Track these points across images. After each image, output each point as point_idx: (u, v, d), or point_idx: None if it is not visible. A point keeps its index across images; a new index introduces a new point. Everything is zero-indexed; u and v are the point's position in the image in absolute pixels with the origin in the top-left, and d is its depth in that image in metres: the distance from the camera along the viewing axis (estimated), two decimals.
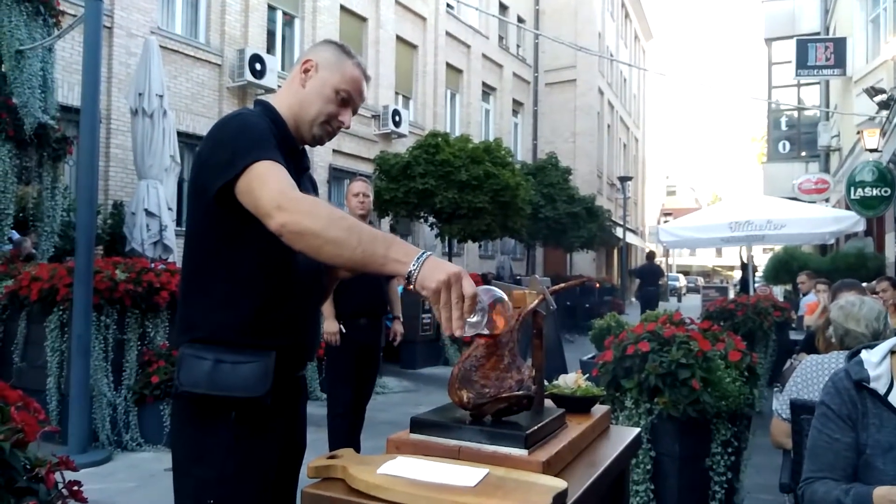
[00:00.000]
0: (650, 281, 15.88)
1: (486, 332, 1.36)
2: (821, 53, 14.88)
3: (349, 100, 1.67)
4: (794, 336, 7.08)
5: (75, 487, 1.47)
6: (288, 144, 1.61)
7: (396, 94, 16.48)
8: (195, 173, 1.57)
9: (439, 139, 12.10)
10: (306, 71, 1.65)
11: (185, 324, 1.56)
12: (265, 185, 1.39)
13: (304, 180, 1.69)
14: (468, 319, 1.28)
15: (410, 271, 1.28)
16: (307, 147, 1.74)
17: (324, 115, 1.64)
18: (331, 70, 1.65)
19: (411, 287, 1.30)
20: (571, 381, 1.76)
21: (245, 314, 1.50)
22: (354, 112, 1.71)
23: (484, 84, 20.49)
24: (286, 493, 1.66)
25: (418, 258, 1.29)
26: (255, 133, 1.50)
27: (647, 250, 21.72)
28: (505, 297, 1.39)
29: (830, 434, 1.50)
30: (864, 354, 1.57)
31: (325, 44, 1.73)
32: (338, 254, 1.33)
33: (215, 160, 1.49)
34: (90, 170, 4.91)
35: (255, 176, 1.41)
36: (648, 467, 2.80)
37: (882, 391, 1.49)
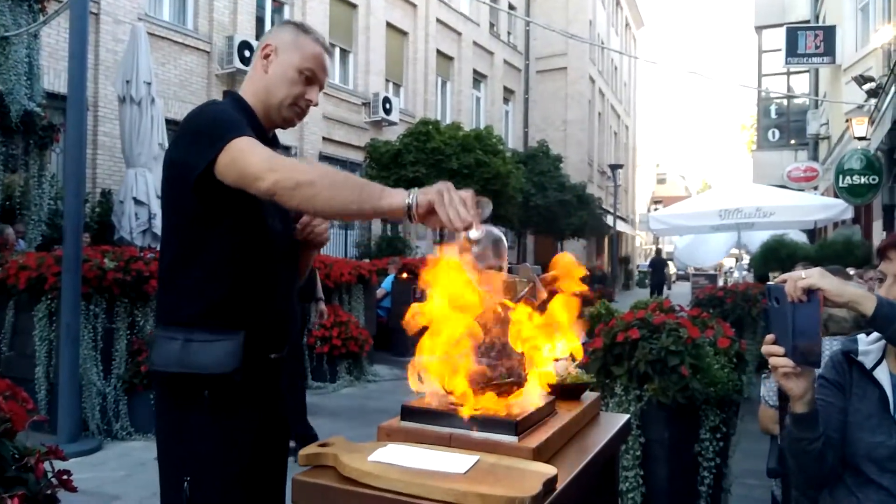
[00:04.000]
0: (659, 270, 22.23)
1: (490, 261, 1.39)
2: (810, 41, 14.90)
3: (314, 77, 1.67)
4: None
5: (65, 476, 1.47)
6: (258, 133, 1.59)
7: (387, 81, 16.39)
8: (169, 165, 1.58)
9: (430, 127, 12.08)
10: (266, 56, 1.65)
11: (161, 310, 1.60)
12: (251, 154, 1.41)
13: None
14: (472, 232, 1.30)
15: (409, 203, 1.30)
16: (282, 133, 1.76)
17: (291, 97, 1.64)
18: (290, 51, 1.64)
19: (413, 214, 1.30)
20: (562, 368, 1.77)
21: (215, 298, 1.53)
22: (321, 88, 1.70)
23: (475, 71, 20.40)
24: (272, 474, 1.67)
25: (411, 191, 1.32)
26: (228, 119, 1.51)
27: (656, 247, 25.48)
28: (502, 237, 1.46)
29: (825, 398, 1.58)
30: (862, 335, 1.66)
31: (282, 25, 1.72)
32: (334, 197, 1.34)
33: (193, 148, 1.49)
34: (77, 158, 4.86)
35: (236, 150, 1.42)
36: (638, 453, 2.82)
37: (868, 365, 1.58)
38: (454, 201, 1.26)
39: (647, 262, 30.05)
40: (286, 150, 13.32)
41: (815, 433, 1.52)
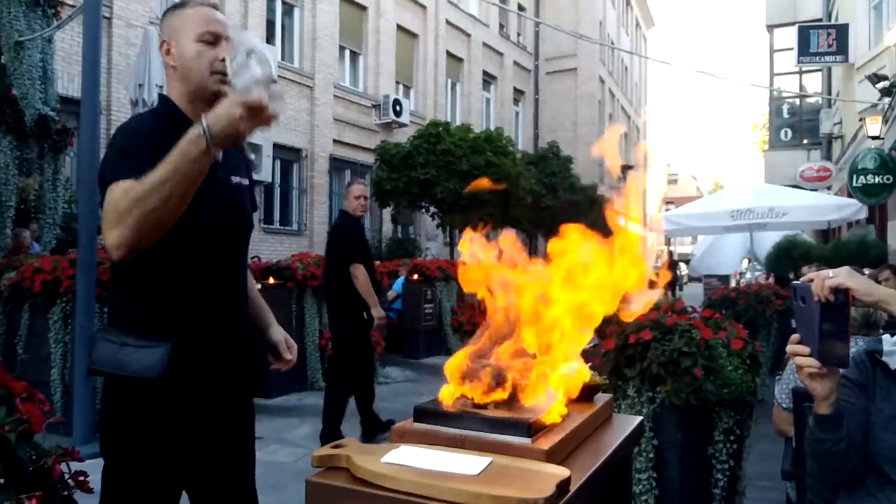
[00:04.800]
0: (672, 271, 21.55)
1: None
2: (823, 40, 14.80)
3: (214, 36, 1.63)
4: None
5: (81, 478, 1.48)
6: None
7: (397, 83, 16.43)
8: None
9: (440, 129, 12.08)
10: (168, 51, 1.65)
11: (109, 314, 1.70)
12: (106, 219, 1.46)
13: (213, 168, 1.53)
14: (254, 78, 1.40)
15: (203, 131, 1.36)
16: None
17: (205, 68, 1.62)
18: (180, 30, 1.64)
19: (209, 139, 1.36)
20: (574, 369, 1.76)
21: (151, 306, 1.58)
22: (227, 40, 1.64)
23: (485, 73, 20.41)
24: (228, 458, 1.73)
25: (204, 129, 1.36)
26: (127, 148, 1.55)
27: (668, 248, 25.65)
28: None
29: (847, 398, 1.56)
30: (887, 335, 1.65)
31: (164, 14, 1.72)
32: (163, 195, 1.38)
33: (102, 167, 1.57)
34: (91, 161, 4.90)
35: (107, 202, 1.46)
36: (651, 455, 2.80)
37: (893, 366, 1.57)
38: (257, 113, 1.38)
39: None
40: (297, 151, 13.38)
41: (838, 434, 1.49)
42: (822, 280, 1.38)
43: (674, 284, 22.42)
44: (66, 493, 1.45)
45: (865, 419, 1.57)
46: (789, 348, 1.47)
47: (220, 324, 1.67)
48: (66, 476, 1.48)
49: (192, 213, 1.50)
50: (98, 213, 5.54)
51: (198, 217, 1.56)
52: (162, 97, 1.69)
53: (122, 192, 1.41)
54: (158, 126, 1.59)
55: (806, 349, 1.42)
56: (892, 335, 1.63)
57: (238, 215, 1.74)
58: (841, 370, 1.55)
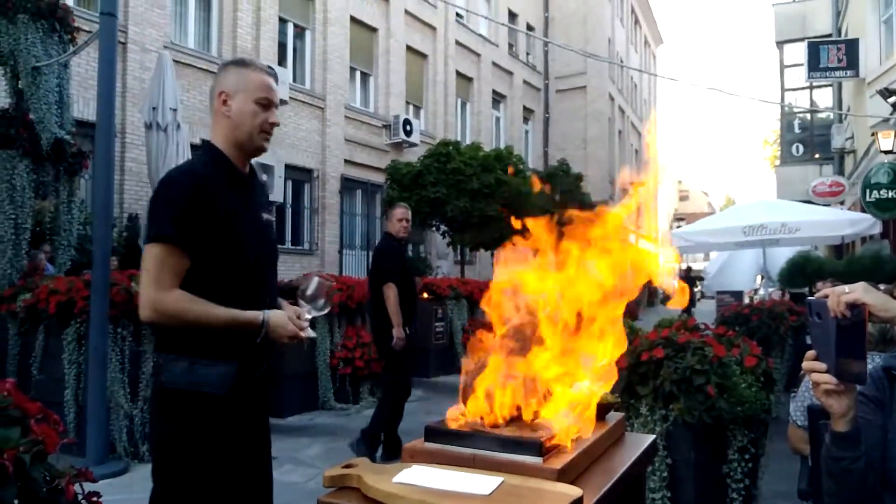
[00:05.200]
0: (689, 287, 21.46)
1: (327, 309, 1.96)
2: (833, 55, 14.78)
3: (269, 102, 1.90)
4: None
5: (94, 499, 1.49)
6: (232, 176, 1.89)
7: (407, 103, 16.55)
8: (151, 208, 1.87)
9: (450, 147, 12.14)
10: (224, 102, 1.89)
11: (163, 339, 1.87)
12: (146, 279, 1.76)
13: (252, 209, 1.93)
14: (311, 315, 1.91)
15: (262, 326, 1.82)
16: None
17: (257, 126, 1.88)
18: (241, 89, 1.88)
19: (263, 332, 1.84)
20: (586, 387, 1.75)
21: (210, 331, 1.80)
22: (276, 107, 1.93)
23: (494, 92, 20.52)
24: (257, 474, 1.94)
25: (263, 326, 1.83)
26: (171, 203, 1.78)
27: (686, 265, 26.11)
28: (322, 282, 1.96)
29: (864, 415, 1.53)
30: None
31: (225, 67, 1.96)
32: (194, 326, 1.77)
33: (149, 217, 1.83)
34: (106, 183, 4.97)
35: (148, 259, 1.76)
36: (664, 474, 2.78)
37: None
38: (287, 329, 1.83)
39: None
40: (309, 172, 13.49)
41: (856, 452, 1.47)
42: (838, 296, 1.36)
43: (691, 301, 22.32)
44: None
45: (883, 436, 1.55)
46: (805, 365, 1.44)
47: (260, 346, 1.87)
48: (80, 497, 1.48)
49: (239, 252, 1.83)
50: (111, 236, 5.61)
51: (243, 256, 1.85)
52: (209, 145, 1.91)
53: (176, 297, 1.74)
54: (204, 172, 1.84)
55: (822, 366, 1.40)
56: None
57: (271, 248, 2.04)
58: (860, 390, 1.53)
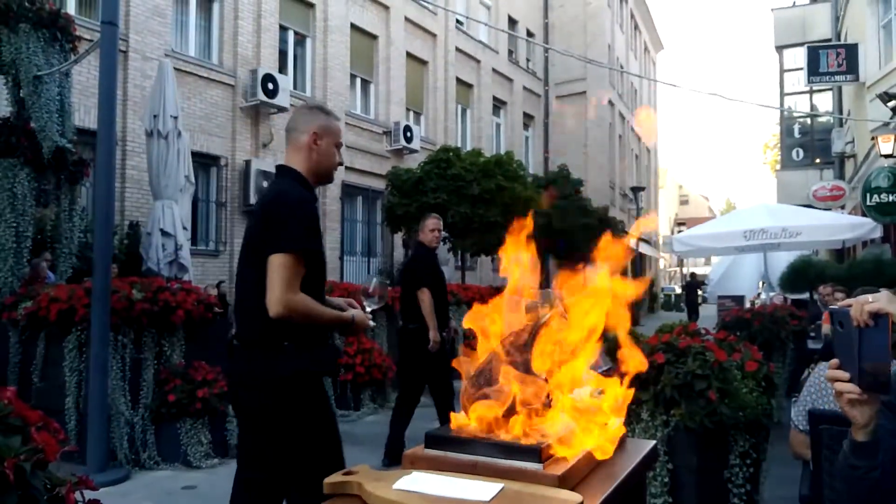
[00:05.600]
0: (692, 292, 22.96)
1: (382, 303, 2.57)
2: (832, 60, 14.81)
3: (340, 144, 2.42)
4: (813, 345, 6.98)
5: None
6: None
7: (407, 110, 16.58)
8: (257, 231, 2.22)
9: (450, 154, 12.15)
10: (315, 141, 2.31)
11: (268, 331, 2.15)
12: (281, 280, 2.09)
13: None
14: (370, 308, 2.50)
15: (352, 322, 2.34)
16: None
17: (334, 165, 2.39)
18: (329, 133, 2.34)
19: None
20: (586, 393, 1.75)
21: (314, 326, 2.25)
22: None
23: (494, 98, 20.56)
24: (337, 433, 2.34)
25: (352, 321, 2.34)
26: (304, 222, 2.17)
27: (683, 269, 26.49)
28: (380, 281, 2.64)
29: (885, 425, 1.51)
30: None
31: (314, 111, 2.38)
32: (307, 322, 2.18)
33: (273, 231, 2.13)
34: (107, 191, 4.98)
35: (281, 265, 2.10)
36: (666, 480, 2.77)
37: None
38: (365, 323, 2.39)
39: (683, 283, 30.35)
40: None
41: (874, 462, 1.46)
42: (862, 305, 1.36)
43: (695, 306, 22.18)
44: None
45: (895, 443, 1.53)
46: (828, 374, 1.44)
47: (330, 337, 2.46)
48: None
49: (324, 262, 2.33)
50: (112, 243, 5.62)
51: (324, 265, 2.35)
52: (298, 173, 2.30)
53: (303, 298, 2.12)
54: (311, 195, 2.30)
55: (846, 375, 1.39)
56: None
57: None
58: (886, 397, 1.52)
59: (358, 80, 15.32)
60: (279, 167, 2.35)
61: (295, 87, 13.32)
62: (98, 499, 1.53)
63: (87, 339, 4.78)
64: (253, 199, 11.67)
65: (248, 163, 11.86)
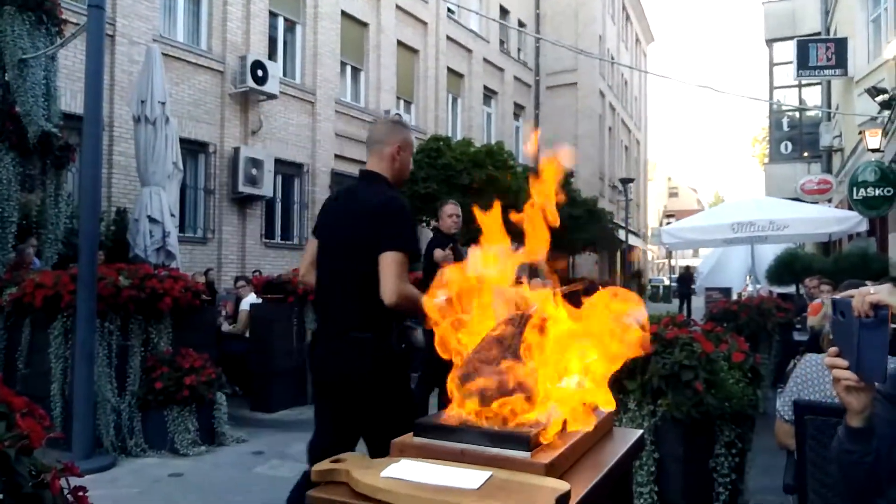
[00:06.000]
0: (686, 284, 23.16)
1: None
2: (822, 54, 14.87)
3: (412, 152, 2.80)
4: (799, 337, 7.05)
5: (80, 493, 1.48)
6: None
7: (398, 98, 16.51)
8: (367, 231, 2.46)
9: (441, 143, 12.12)
10: (398, 152, 2.64)
11: (378, 316, 2.43)
12: (394, 275, 2.36)
13: None
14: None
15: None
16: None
17: (408, 174, 2.78)
18: (408, 146, 2.71)
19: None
20: (574, 383, 1.76)
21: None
22: None
23: (485, 88, 20.51)
24: None
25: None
26: (410, 228, 2.53)
27: (682, 263, 26.70)
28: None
29: (880, 413, 1.57)
30: None
31: (397, 126, 2.73)
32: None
33: (387, 231, 2.42)
34: (93, 177, 4.93)
35: (394, 262, 2.37)
36: (652, 469, 2.79)
37: None
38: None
39: (676, 276, 30.45)
40: (299, 166, 13.45)
41: (868, 447, 1.52)
42: (863, 296, 1.41)
43: (687, 297, 22.27)
44: None
45: (892, 432, 1.58)
46: (827, 360, 1.49)
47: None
48: (66, 491, 1.47)
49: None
50: (99, 230, 5.57)
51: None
52: (385, 178, 2.63)
53: (412, 288, 2.38)
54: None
55: (844, 362, 1.45)
56: None
57: None
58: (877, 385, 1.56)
59: (348, 68, 15.24)
60: (368, 172, 2.66)
61: (284, 74, 13.23)
62: (84, 486, 1.52)
63: (73, 326, 4.74)
64: (242, 187, 11.60)
65: (236, 150, 11.77)
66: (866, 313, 1.39)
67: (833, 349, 1.49)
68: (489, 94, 20.94)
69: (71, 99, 8.78)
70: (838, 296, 1.47)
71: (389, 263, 2.35)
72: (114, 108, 9.88)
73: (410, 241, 2.46)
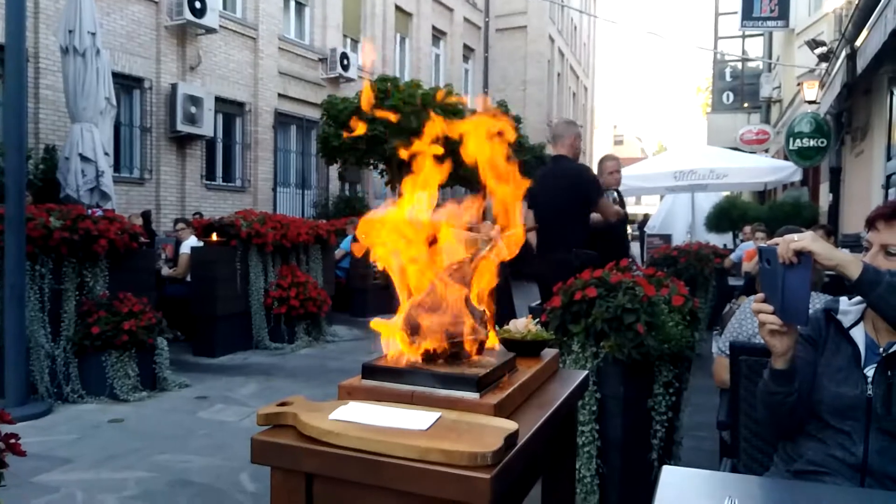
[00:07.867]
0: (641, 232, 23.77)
1: None
2: (766, 5, 15.05)
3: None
4: (734, 282, 7.33)
5: (12, 440, 1.42)
6: None
7: (345, 36, 15.99)
8: (577, 190, 4.29)
9: (388, 84, 11.86)
10: (574, 143, 4.34)
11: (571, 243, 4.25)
12: (610, 207, 4.45)
13: None
14: None
15: None
16: None
17: (578, 156, 4.31)
18: (579, 139, 4.36)
19: None
20: (522, 325, 1.78)
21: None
22: None
23: (434, 28, 20.05)
24: None
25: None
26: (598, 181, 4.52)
27: (644, 213, 27.57)
28: None
29: (799, 354, 1.66)
30: (844, 297, 1.76)
31: (572, 125, 4.49)
32: None
33: (594, 188, 4.33)
34: (18, 111, 4.64)
35: (603, 204, 4.38)
36: (594, 408, 2.88)
37: (846, 325, 1.68)
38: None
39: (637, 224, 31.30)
40: (240, 105, 12.99)
41: (790, 388, 1.60)
42: (788, 243, 1.45)
43: (642, 246, 22.76)
44: None
45: (812, 371, 1.68)
46: (753, 306, 1.55)
47: None
48: None
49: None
50: (26, 167, 5.27)
51: None
52: (570, 158, 4.40)
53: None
54: None
55: (770, 307, 1.51)
56: (850, 298, 1.74)
57: None
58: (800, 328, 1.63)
59: (292, 3, 14.63)
60: (561, 157, 4.37)
61: (224, 7, 12.60)
62: (16, 433, 1.46)
63: (2, 269, 4.53)
64: (181, 125, 11.14)
65: (174, 86, 11.25)
66: (791, 260, 1.44)
67: (759, 294, 1.55)
68: (438, 34, 20.50)
69: None
70: (765, 244, 1.52)
71: (604, 204, 4.28)
72: (39, 38, 9.26)
73: (601, 190, 4.23)
